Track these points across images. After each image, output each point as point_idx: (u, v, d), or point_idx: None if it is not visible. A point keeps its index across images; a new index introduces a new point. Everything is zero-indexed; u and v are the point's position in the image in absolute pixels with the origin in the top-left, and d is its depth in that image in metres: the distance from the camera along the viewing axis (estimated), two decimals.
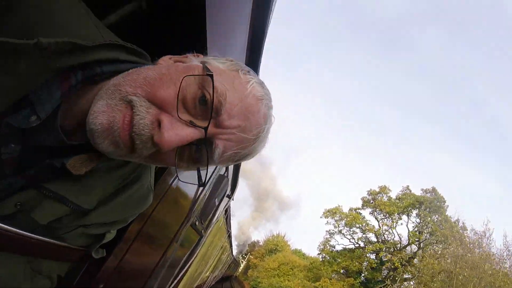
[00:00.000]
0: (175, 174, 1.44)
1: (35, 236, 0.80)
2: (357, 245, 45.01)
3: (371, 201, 44.53)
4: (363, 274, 41.93)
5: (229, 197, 4.40)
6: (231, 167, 3.43)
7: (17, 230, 0.71)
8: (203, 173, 0.81)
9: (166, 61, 0.82)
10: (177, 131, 0.70)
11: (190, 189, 1.89)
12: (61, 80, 0.71)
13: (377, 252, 41.20)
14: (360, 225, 44.45)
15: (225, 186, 3.04)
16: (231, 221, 9.99)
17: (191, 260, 3.30)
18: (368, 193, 45.54)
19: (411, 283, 34.61)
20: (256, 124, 0.80)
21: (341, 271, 42.57)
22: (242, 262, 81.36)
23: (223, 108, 0.73)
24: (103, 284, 1.25)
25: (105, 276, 1.23)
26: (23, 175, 0.79)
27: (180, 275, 3.11)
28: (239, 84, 0.78)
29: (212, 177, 2.25)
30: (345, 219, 45.90)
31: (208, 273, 11.87)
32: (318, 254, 49.73)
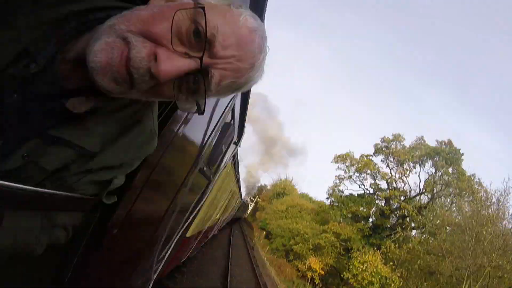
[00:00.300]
0: (181, 121, 1.46)
1: (47, 190, 0.83)
2: (366, 191, 44.74)
3: (384, 148, 43.47)
4: (371, 220, 41.73)
5: (236, 144, 4.45)
6: (237, 115, 3.43)
7: (30, 187, 0.73)
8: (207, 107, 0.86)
9: (157, 1, 0.82)
10: (173, 62, 0.74)
11: (197, 137, 1.92)
12: (57, 29, 0.74)
13: (387, 199, 40.92)
14: (372, 171, 43.70)
15: (232, 133, 3.08)
16: (240, 167, 10.16)
17: (200, 204, 3.42)
18: (381, 140, 44.25)
19: (421, 231, 34.19)
20: (251, 54, 0.82)
21: (350, 215, 42.18)
22: (250, 204, 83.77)
23: (217, 40, 0.76)
24: (117, 229, 1.31)
25: (117, 222, 1.28)
26: (26, 124, 0.81)
27: (190, 219, 3.25)
28: (231, 16, 0.81)
29: (218, 124, 2.27)
30: (356, 165, 45.27)
31: (218, 215, 12.36)
32: (327, 198, 49.76)
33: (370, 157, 44.49)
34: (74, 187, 0.93)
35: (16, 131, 0.80)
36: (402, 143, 42.32)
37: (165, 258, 2.59)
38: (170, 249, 2.64)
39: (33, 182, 0.85)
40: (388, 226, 39.11)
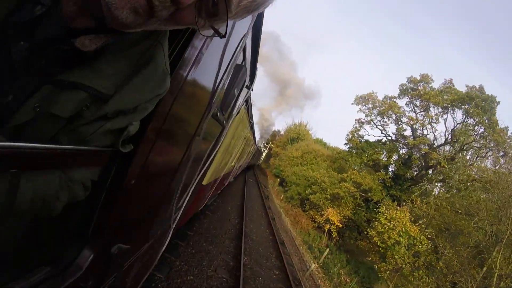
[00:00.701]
0: (191, 63, 1.40)
1: (61, 146, 0.82)
2: (388, 137, 42.47)
3: (410, 90, 40.16)
4: (391, 169, 39.60)
5: (248, 87, 4.36)
6: (248, 56, 3.32)
7: (42, 145, 0.72)
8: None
9: None
10: None
11: (208, 80, 1.86)
12: None
13: (410, 147, 38.66)
14: (396, 115, 40.87)
15: (244, 76, 2.98)
16: (253, 111, 10.13)
17: (216, 150, 3.43)
18: (407, 80, 40.58)
19: (448, 186, 31.82)
20: None
21: (370, 163, 39.95)
22: (264, 151, 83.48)
23: None
24: (135, 180, 1.31)
25: (135, 173, 1.29)
26: (35, 72, 0.79)
27: (205, 166, 3.28)
28: None
29: (230, 66, 2.19)
30: (379, 107, 42.43)
31: (233, 162, 12.59)
32: (345, 144, 46.11)
33: (394, 100, 41.62)
34: (90, 139, 0.92)
35: (26, 80, 0.78)
36: (430, 85, 38.73)
37: (183, 207, 2.64)
38: (188, 197, 2.69)
39: (48, 135, 0.84)
40: (410, 177, 37.56)
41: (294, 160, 54.55)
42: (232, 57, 2.17)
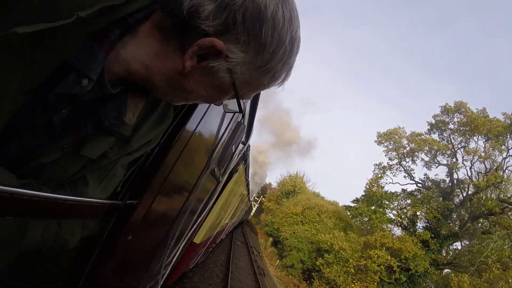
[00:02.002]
0: (198, 121, 1.49)
1: (63, 196, 0.86)
2: (419, 184, 35.81)
3: (446, 121, 33.90)
4: (421, 225, 32.39)
5: (244, 143, 4.47)
6: (247, 113, 3.44)
7: (44, 194, 0.76)
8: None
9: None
10: None
11: (211, 137, 1.95)
12: (100, 40, 0.76)
13: (446, 194, 32.26)
14: (434, 150, 33.72)
15: (242, 133, 3.08)
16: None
17: (209, 207, 3.45)
18: (441, 110, 34.35)
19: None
20: None
21: (405, 221, 32.98)
22: (254, 205, 73.61)
23: None
24: (132, 235, 1.34)
25: (133, 228, 1.31)
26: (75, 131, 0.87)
27: (198, 223, 3.28)
28: None
29: (231, 124, 2.29)
30: (407, 146, 35.38)
31: (227, 220, 12.40)
32: (362, 196, 37.91)
33: (423, 136, 35.31)
34: (112, 174, 1.04)
35: (64, 139, 0.86)
36: (468, 114, 32.54)
37: (172, 263, 2.62)
38: (177, 254, 2.67)
39: (70, 172, 0.93)
40: (452, 233, 30.72)
41: (293, 218, 46.27)
42: (233, 115, 2.28)
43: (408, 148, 36.01)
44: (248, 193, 19.06)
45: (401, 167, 36.51)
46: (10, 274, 0.88)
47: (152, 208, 1.45)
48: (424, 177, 36.47)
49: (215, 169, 2.74)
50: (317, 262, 31.89)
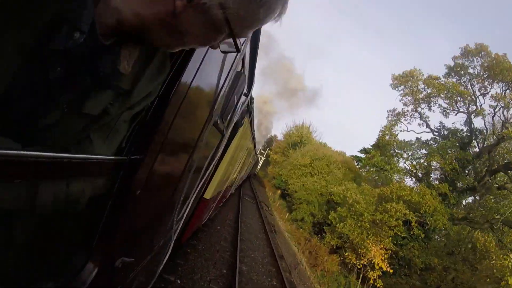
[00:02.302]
0: (195, 71, 1.47)
1: (71, 155, 0.87)
2: (435, 133, 33.71)
3: (466, 65, 30.55)
4: (434, 176, 30.70)
5: (246, 95, 4.43)
6: (247, 63, 3.38)
7: (50, 154, 0.76)
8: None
9: None
10: None
11: (210, 88, 1.92)
12: None
13: (465, 144, 29.45)
14: (457, 94, 30.18)
15: (243, 83, 3.05)
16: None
17: (215, 161, 3.48)
18: (461, 52, 30.73)
19: None
20: None
21: (422, 171, 30.76)
22: (261, 158, 72.74)
23: None
24: (140, 190, 1.36)
25: (140, 183, 1.33)
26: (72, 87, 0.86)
27: (207, 179, 3.32)
28: None
29: (230, 74, 2.25)
30: (423, 91, 32.21)
31: (235, 174, 12.60)
32: (372, 145, 36.27)
33: (439, 80, 32.09)
34: (116, 129, 1.05)
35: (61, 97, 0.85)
36: (489, 58, 29.50)
37: (184, 218, 2.69)
38: (188, 208, 2.73)
39: (75, 130, 0.92)
40: (470, 186, 28.56)
41: (302, 169, 44.19)
42: (232, 64, 2.23)
43: (424, 93, 33.17)
44: (255, 147, 19.19)
45: (416, 113, 33.93)
46: (26, 240, 0.91)
47: (158, 162, 1.46)
48: (440, 126, 34.08)
49: (218, 121, 2.73)
50: (329, 216, 29.58)
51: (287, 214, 37.36)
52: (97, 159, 0.98)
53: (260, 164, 72.74)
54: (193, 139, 2.05)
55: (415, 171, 32.65)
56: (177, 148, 1.78)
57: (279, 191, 49.97)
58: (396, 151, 33.87)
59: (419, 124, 34.80)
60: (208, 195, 5.71)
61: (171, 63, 1.20)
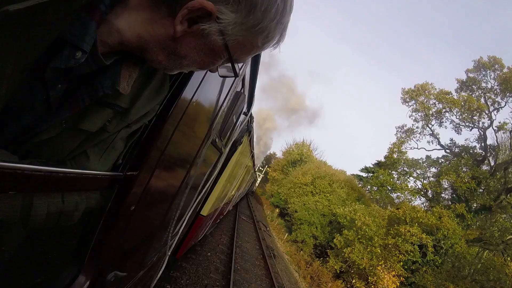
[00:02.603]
0: (195, 90, 1.50)
1: (66, 169, 0.88)
2: (447, 150, 32.31)
3: (478, 79, 29.28)
4: (451, 196, 28.94)
5: (246, 114, 4.47)
6: (247, 83, 3.43)
7: (47, 168, 0.78)
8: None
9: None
10: None
11: (210, 106, 1.96)
12: (91, 11, 0.77)
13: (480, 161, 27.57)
14: (474, 109, 28.65)
15: (242, 103, 3.09)
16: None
17: (212, 178, 3.50)
18: (475, 65, 29.71)
19: None
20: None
21: (439, 191, 28.57)
22: (259, 175, 70.56)
23: None
24: (135, 206, 1.37)
25: (135, 198, 1.34)
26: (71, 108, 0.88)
27: (204, 195, 3.33)
28: None
29: (230, 93, 2.29)
30: (434, 107, 31.01)
31: (233, 191, 12.54)
32: (362, 169, 35.99)
33: (451, 95, 30.88)
34: (113, 146, 1.07)
35: (60, 114, 0.87)
36: (503, 71, 28.63)
37: (179, 234, 2.69)
38: (184, 225, 2.74)
39: (72, 146, 0.95)
40: (482, 205, 27.26)
41: (303, 188, 42.65)
42: (232, 84, 2.28)
43: (435, 108, 32.07)
44: (254, 165, 19.12)
45: (427, 128, 32.31)
46: (17, 251, 0.92)
47: (153, 178, 1.47)
48: (451, 143, 32.85)
49: (217, 140, 2.76)
50: (334, 240, 27.79)
51: (286, 234, 35.71)
52: (92, 174, 1.00)
53: (258, 182, 71.02)
54: (190, 156, 2.07)
55: (425, 191, 30.93)
56: (174, 165, 1.80)
57: (277, 210, 48.67)
58: (406, 169, 32.69)
59: (428, 142, 34.07)
60: (205, 211, 5.70)
61: (172, 82, 1.23)
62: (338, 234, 28.08)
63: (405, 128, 33.99)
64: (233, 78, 2.27)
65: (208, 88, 1.71)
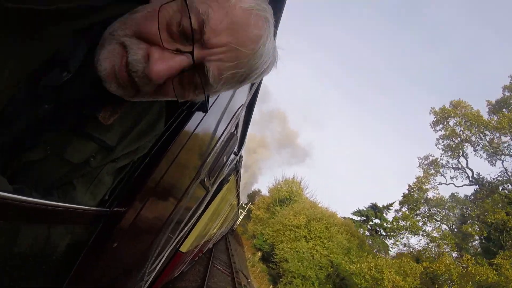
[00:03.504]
0: (192, 131, 1.52)
1: (51, 202, 0.86)
2: (480, 186, 27.37)
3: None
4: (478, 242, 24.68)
5: (236, 154, 4.51)
6: (240, 124, 3.48)
7: (33, 199, 0.76)
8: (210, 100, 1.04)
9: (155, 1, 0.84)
10: (164, 62, 0.76)
11: (203, 146, 1.98)
12: (85, 37, 0.80)
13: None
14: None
15: (234, 144, 3.13)
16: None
17: (196, 217, 3.47)
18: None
19: None
20: (250, 38, 0.81)
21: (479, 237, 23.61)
22: (241, 212, 61.90)
23: (206, 27, 0.76)
24: (117, 243, 1.36)
25: (119, 235, 1.33)
26: (57, 127, 0.89)
27: (185, 232, 3.29)
28: None
29: (224, 135, 2.33)
30: (462, 133, 26.34)
31: (215, 229, 12.36)
32: (402, 198, 29.25)
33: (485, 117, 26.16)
34: (99, 181, 1.05)
35: (47, 134, 0.89)
36: None
37: (156, 270, 2.64)
38: (162, 261, 2.69)
39: (58, 174, 0.94)
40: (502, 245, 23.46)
41: (295, 232, 36.40)
42: (227, 126, 2.31)
43: (469, 133, 26.94)
44: (238, 203, 18.89)
45: (460, 158, 27.08)
46: None
47: (139, 216, 1.46)
48: (478, 176, 28.06)
49: (205, 179, 2.76)
50: None
51: (271, 286, 30.34)
52: (80, 209, 1.00)
53: (240, 219, 63.18)
54: (177, 195, 2.07)
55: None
56: (160, 204, 1.80)
57: (259, 253, 43.77)
58: (429, 210, 27.13)
59: (451, 177, 28.38)
60: (184, 248, 5.59)
61: (169, 120, 1.26)
62: None
63: (430, 158, 29.40)
64: (229, 119, 2.33)
65: (204, 129, 1.74)
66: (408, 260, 22.38)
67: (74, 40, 0.77)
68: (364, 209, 38.07)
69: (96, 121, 0.92)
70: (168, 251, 2.82)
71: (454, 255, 24.40)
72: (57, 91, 0.81)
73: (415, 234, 27.33)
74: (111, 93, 0.84)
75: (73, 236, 1.08)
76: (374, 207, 36.84)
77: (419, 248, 27.13)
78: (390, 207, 36.82)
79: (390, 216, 36.18)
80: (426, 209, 27.33)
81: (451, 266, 19.60)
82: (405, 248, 30.28)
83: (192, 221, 3.38)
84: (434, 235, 26.06)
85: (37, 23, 0.66)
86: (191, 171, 2.05)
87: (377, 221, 35.06)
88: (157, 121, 1.14)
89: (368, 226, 37.67)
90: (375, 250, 30.99)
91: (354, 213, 39.88)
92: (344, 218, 40.05)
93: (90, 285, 1.41)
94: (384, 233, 33.83)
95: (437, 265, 20.34)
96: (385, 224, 34.80)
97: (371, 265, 22.53)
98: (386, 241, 32.08)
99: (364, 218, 38.50)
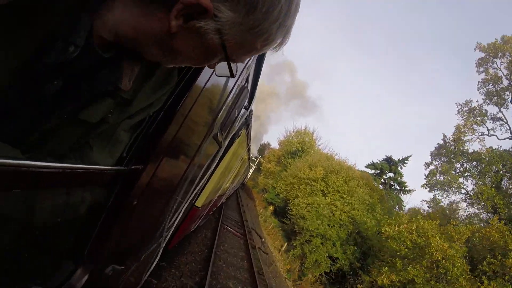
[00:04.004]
0: (204, 84, 1.49)
1: (70, 165, 0.87)
2: None
3: None
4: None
5: (247, 108, 4.47)
6: (251, 77, 3.42)
7: (51, 164, 0.77)
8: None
9: None
10: None
11: (215, 100, 1.95)
12: (83, 5, 0.77)
13: None
14: None
15: (245, 98, 3.09)
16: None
17: (210, 172, 3.51)
18: None
19: None
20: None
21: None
22: (251, 166, 59.57)
23: None
24: (137, 200, 1.36)
25: (137, 193, 1.33)
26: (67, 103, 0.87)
27: (200, 188, 3.34)
28: None
29: (235, 88, 2.29)
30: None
31: (228, 184, 12.61)
32: (437, 150, 26.15)
33: None
34: (116, 138, 1.05)
35: (60, 112, 0.86)
36: None
37: (174, 226, 2.71)
38: (180, 216, 2.75)
39: (74, 137, 0.93)
40: None
41: (312, 185, 32.15)
42: (238, 78, 2.26)
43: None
44: (249, 158, 19.06)
45: (503, 106, 22.87)
46: (19, 248, 0.91)
47: (157, 173, 1.46)
48: None
49: (218, 134, 2.76)
50: (378, 279, 18.27)
51: (286, 244, 27.05)
52: (99, 169, 0.99)
53: (250, 173, 61.81)
54: (192, 150, 2.07)
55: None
56: (176, 159, 1.80)
57: (271, 207, 40.62)
58: (466, 165, 24.11)
59: (488, 129, 24.85)
60: (199, 203, 5.71)
61: (181, 75, 1.22)
62: (386, 268, 18.26)
63: (470, 105, 24.55)
64: (240, 72, 2.27)
65: (216, 82, 1.70)
66: (455, 222, 19.70)
67: (72, 12, 0.74)
68: (378, 162, 36.23)
69: (113, 87, 0.91)
70: (185, 206, 2.88)
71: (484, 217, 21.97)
72: (64, 68, 0.79)
73: (456, 191, 24.42)
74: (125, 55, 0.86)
75: (94, 196, 1.09)
76: (388, 160, 35.28)
77: (444, 206, 24.37)
78: (405, 161, 35.81)
79: (404, 170, 34.82)
80: (464, 164, 24.60)
81: (506, 232, 16.61)
82: (425, 205, 27.20)
83: (206, 176, 3.42)
84: (472, 193, 22.42)
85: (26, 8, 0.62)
86: (204, 126, 2.04)
87: (391, 174, 33.68)
88: (170, 73, 1.12)
89: (382, 180, 36.05)
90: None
91: (367, 166, 37.76)
92: (361, 171, 36.21)
93: (113, 245, 1.44)
94: (398, 188, 32.71)
95: (488, 230, 17.40)
96: (399, 178, 33.71)
97: (412, 228, 18.58)
98: (400, 195, 30.77)
99: (378, 172, 36.55)
